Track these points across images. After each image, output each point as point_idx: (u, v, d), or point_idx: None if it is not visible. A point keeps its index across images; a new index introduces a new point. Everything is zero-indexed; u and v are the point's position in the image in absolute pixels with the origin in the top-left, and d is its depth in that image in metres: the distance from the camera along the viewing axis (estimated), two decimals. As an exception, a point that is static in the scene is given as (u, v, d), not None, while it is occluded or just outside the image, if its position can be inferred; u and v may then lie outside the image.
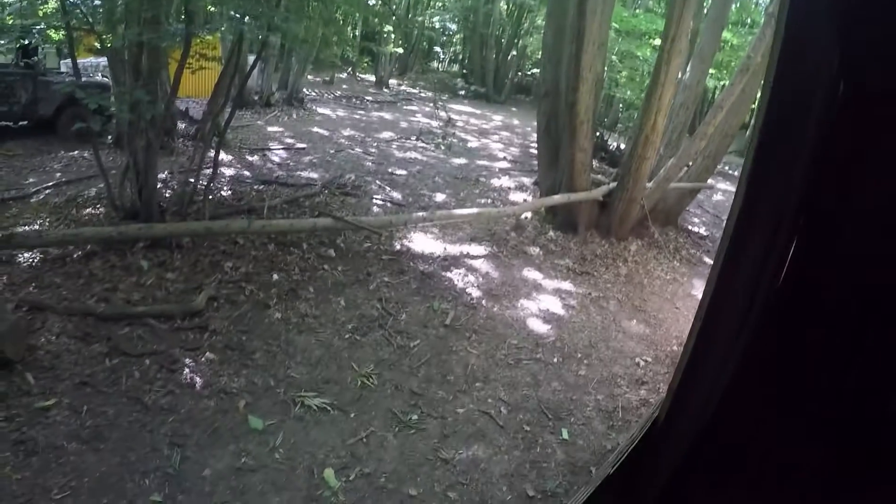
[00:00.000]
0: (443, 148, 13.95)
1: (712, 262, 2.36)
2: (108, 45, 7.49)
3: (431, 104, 19.40)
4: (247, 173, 10.10)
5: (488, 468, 4.77)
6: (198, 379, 5.08)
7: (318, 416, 4.91)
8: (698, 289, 9.63)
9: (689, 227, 12.55)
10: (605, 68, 13.91)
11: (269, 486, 4.16)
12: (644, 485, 2.68)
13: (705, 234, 12.63)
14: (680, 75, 10.74)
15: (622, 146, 15.92)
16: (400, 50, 29.36)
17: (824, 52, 2.34)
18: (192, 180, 7.82)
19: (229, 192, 9.12)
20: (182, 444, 4.37)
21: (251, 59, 10.20)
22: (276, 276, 6.88)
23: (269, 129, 13.34)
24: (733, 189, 17.57)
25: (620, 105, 21.64)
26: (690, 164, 11.02)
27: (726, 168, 16.03)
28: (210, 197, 8.09)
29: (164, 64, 8.31)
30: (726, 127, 10.67)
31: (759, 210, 2.54)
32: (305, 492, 4.17)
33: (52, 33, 8.83)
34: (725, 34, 15.01)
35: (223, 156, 10.27)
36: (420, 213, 8.67)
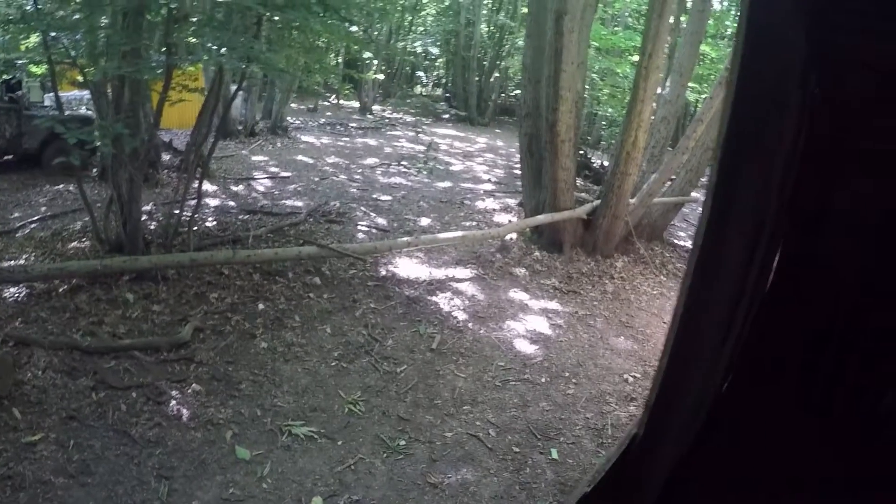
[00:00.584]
0: (425, 172, 13.99)
1: (685, 269, 2.36)
2: (90, 78, 7.52)
3: (415, 129, 19.47)
4: (231, 203, 10.09)
5: (478, 491, 4.77)
6: (184, 411, 5.07)
7: (305, 444, 4.90)
8: (685, 303, 9.66)
9: (675, 241, 12.62)
10: (587, 86, 14.01)
11: None
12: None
13: (691, 247, 12.63)
14: (660, 90, 10.85)
15: (606, 163, 16.00)
16: (382, 76, 29.42)
17: (792, 49, 2.36)
18: (177, 212, 7.82)
19: (214, 222, 9.11)
20: (169, 476, 4.36)
21: (235, 88, 10.27)
22: (261, 306, 6.87)
23: (254, 158, 13.34)
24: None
25: (603, 122, 21.75)
26: (673, 178, 11.10)
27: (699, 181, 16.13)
28: (195, 228, 8.10)
29: (146, 96, 8.34)
30: (708, 140, 10.73)
31: (734, 213, 2.56)
32: (294, 521, 4.16)
33: (34, 67, 8.85)
34: (704, 47, 15.16)
35: (208, 186, 10.29)
36: (404, 239, 8.68)
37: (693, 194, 12.69)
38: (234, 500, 4.24)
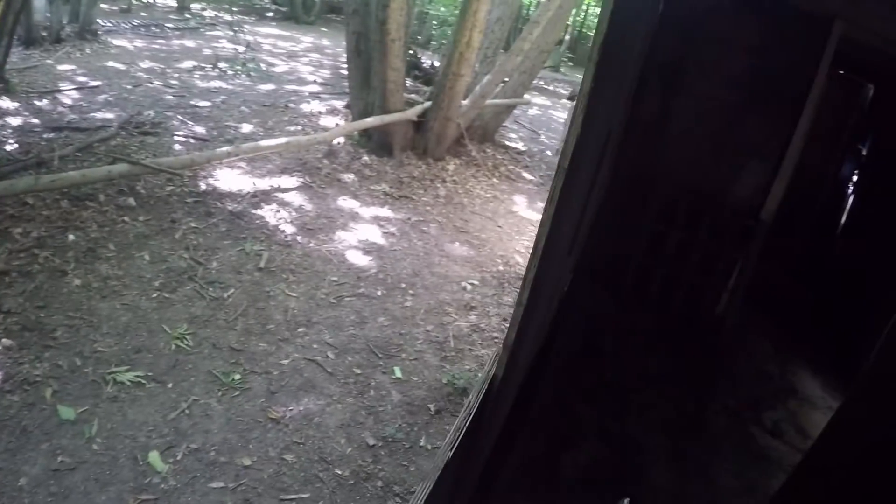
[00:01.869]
0: (244, 74, 13.19)
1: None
2: None
3: (235, 28, 18.41)
4: (35, 121, 8.95)
5: (322, 421, 4.66)
6: (-5, 372, 4.52)
7: (133, 392, 4.50)
8: (519, 205, 9.78)
9: (507, 143, 12.67)
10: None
11: (92, 483, 3.78)
12: (486, 450, 2.60)
13: (523, 148, 12.78)
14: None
15: (436, 64, 15.74)
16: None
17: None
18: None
19: (15, 145, 8.06)
20: (-11, 453, 3.91)
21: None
22: (72, 237, 6.10)
23: (60, 67, 11.91)
24: (549, 104, 17.68)
25: (434, 22, 21.34)
26: (506, 79, 11.02)
27: (541, 83, 16.17)
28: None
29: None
30: (542, 43, 10.80)
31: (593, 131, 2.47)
32: (132, 482, 3.84)
33: None
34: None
35: (7, 103, 9.29)
36: (224, 149, 8.06)
37: (525, 96, 12.79)
38: (64, 469, 3.83)
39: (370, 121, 9.47)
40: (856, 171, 8.85)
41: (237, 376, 4.88)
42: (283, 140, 8.82)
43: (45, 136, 8.40)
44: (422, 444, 4.71)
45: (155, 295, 5.61)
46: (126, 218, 6.63)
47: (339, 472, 4.29)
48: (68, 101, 10.01)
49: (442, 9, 18.24)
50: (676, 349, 5.86)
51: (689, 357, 5.86)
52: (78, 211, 6.50)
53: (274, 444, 4.35)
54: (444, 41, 19.46)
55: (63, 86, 10.69)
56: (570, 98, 12.42)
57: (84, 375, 4.57)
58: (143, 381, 4.61)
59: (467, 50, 9.02)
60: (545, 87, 20.19)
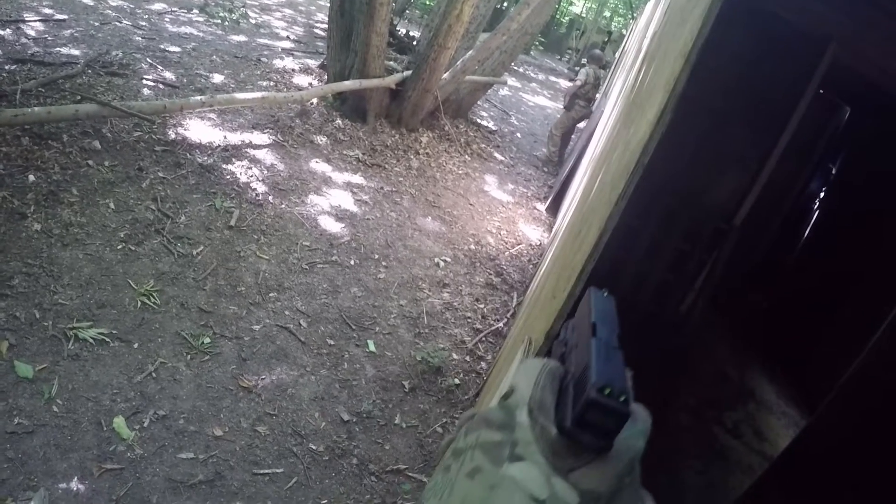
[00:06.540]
0: (227, 23, 12.62)
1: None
2: None
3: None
4: None
5: (296, 393, 4.45)
6: (-52, 321, 4.11)
7: (96, 350, 4.19)
8: (490, 185, 9.59)
9: (479, 121, 12.45)
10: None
11: (52, 449, 3.49)
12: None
13: (494, 128, 12.58)
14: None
15: (412, 33, 15.39)
16: None
17: None
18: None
19: None
20: (-58, 411, 3.56)
21: None
22: (32, 177, 5.63)
23: None
24: (519, 85, 17.41)
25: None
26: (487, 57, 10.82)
27: (512, 65, 15.98)
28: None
29: None
30: (528, 25, 10.71)
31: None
32: (96, 449, 3.56)
33: None
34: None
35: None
36: (199, 98, 7.63)
37: (503, 77, 12.65)
38: (22, 431, 3.52)
39: (348, 84, 9.13)
40: (824, 188, 8.89)
41: (207, 340, 4.61)
42: (258, 94, 8.43)
43: (6, 67, 7.88)
44: (396, 421, 4.56)
45: (120, 247, 5.24)
46: (91, 162, 6.19)
47: (314, 447, 4.09)
48: (32, 33, 9.46)
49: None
50: (642, 344, 5.79)
51: (653, 353, 5.81)
52: (40, 150, 6.04)
53: (246, 415, 4.12)
54: (418, 10, 19.14)
55: (27, 16, 10.11)
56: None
57: (43, 329, 4.23)
58: (107, 340, 4.31)
59: (457, 23, 8.68)
60: (515, 68, 20.02)
